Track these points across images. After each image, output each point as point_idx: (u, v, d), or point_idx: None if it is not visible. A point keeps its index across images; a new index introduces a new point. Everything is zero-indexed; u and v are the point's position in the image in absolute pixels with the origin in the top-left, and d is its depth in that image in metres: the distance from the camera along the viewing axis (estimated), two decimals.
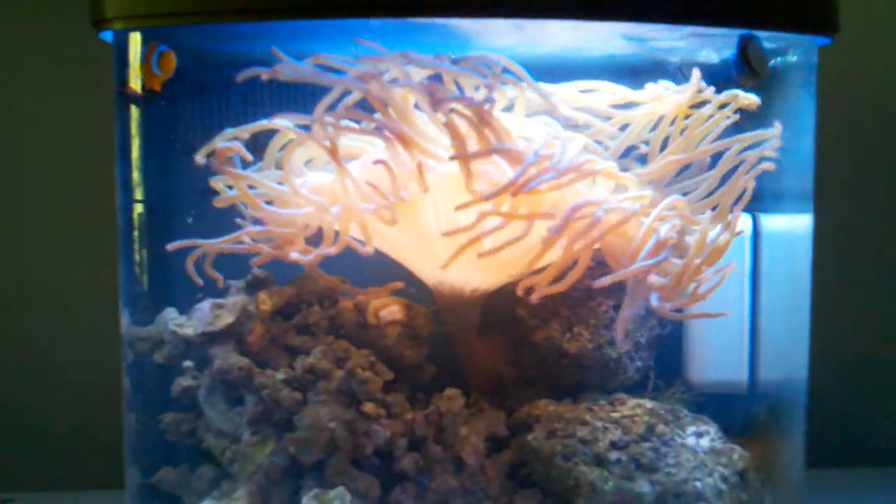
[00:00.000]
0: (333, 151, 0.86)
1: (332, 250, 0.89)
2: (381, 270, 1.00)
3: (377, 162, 0.85)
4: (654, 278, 0.87)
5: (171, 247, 0.90)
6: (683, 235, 0.91)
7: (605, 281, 0.86)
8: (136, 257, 0.97)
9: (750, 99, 0.93)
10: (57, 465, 1.32)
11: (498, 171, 0.85)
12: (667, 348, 1.05)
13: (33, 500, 1.30)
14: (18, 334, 1.34)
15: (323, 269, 0.94)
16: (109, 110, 0.97)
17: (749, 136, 0.93)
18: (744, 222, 1.02)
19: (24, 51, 1.31)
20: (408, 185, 0.86)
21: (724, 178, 0.94)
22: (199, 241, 0.91)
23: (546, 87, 0.98)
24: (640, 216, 0.87)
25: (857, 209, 1.43)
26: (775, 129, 0.92)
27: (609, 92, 0.98)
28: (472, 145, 0.85)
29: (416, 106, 0.89)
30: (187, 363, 1.00)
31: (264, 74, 0.84)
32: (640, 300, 0.87)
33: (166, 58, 0.90)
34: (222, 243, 0.91)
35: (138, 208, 0.95)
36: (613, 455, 0.94)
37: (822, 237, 1.17)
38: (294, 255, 0.90)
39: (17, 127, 1.33)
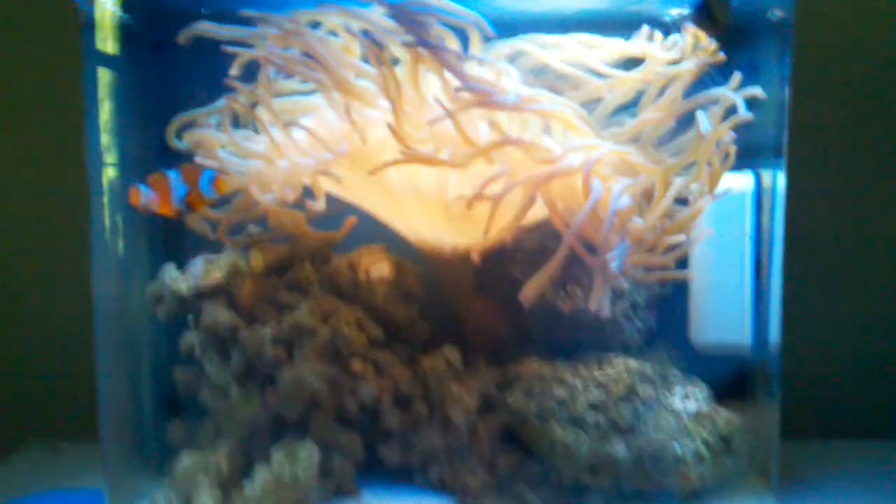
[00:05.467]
0: (254, 115, 0.89)
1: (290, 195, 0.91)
2: (379, 229, 1.01)
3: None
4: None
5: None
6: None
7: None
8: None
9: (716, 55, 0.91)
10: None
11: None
12: (668, 309, 1.03)
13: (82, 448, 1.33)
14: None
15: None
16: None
17: (723, 95, 0.91)
18: (745, 180, 0.99)
19: None
20: (363, 135, 0.86)
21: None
22: None
23: (544, 38, 0.97)
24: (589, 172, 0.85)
25: None
26: (756, 91, 0.90)
27: (598, 46, 0.96)
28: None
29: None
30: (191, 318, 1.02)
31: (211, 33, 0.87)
32: (608, 274, 0.85)
33: (219, 181, 0.93)
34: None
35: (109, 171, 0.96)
36: (591, 416, 0.92)
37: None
38: (256, 194, 0.91)
39: None
